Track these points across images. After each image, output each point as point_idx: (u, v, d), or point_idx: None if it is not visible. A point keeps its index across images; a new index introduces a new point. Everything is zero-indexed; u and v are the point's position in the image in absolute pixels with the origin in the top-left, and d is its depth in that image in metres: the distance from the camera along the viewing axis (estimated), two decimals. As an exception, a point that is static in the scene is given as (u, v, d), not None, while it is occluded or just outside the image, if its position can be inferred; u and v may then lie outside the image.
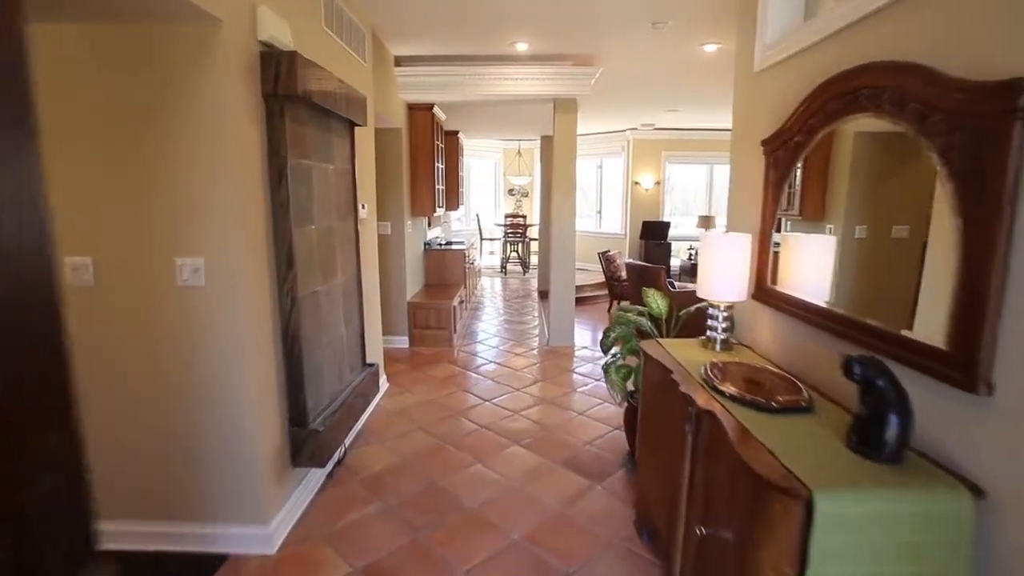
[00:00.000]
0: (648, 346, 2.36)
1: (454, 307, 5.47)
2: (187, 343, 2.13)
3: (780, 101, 2.13)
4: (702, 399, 1.73)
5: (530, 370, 4.74)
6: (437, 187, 5.72)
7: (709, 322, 2.27)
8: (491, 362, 4.96)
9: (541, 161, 8.43)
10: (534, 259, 10.67)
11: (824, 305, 1.86)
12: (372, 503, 2.66)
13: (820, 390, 1.79)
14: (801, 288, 2.04)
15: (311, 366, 2.50)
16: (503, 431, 3.49)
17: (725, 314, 2.22)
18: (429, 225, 6.52)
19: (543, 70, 4.73)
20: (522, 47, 4.40)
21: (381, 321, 5.14)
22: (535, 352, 5.30)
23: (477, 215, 10.55)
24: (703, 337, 2.31)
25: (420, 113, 5.34)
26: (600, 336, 3.27)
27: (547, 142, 8.33)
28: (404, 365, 4.83)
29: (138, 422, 2.18)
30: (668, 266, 9.77)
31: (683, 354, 2.17)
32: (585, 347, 5.52)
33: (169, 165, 2.02)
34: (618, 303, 7.71)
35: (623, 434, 3.29)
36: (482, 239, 10.53)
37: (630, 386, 2.92)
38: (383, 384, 4.19)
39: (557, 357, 5.13)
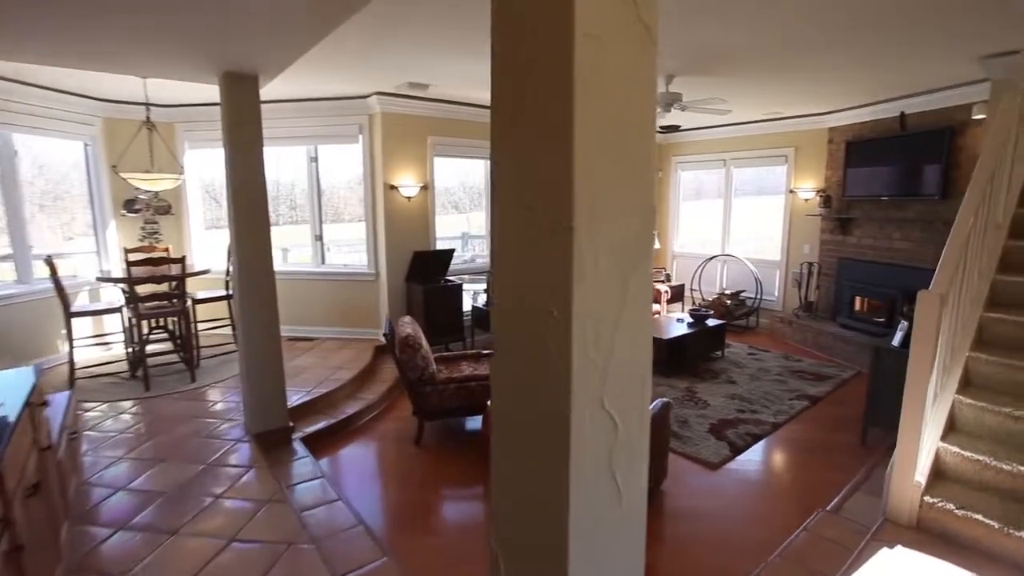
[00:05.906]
0: None
1: None
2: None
3: None
4: None
5: None
6: None
7: None
8: None
9: (225, 133, 3.53)
10: (225, 334, 5.37)
11: None
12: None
13: None
14: None
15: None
16: None
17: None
18: None
19: None
20: None
21: None
22: None
23: (49, 260, 4.56)
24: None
25: None
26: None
27: (235, 83, 3.50)
28: None
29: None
30: (461, 322, 6.07)
31: None
32: None
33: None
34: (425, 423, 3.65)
35: None
36: (69, 314, 4.62)
37: None
38: None
39: None
